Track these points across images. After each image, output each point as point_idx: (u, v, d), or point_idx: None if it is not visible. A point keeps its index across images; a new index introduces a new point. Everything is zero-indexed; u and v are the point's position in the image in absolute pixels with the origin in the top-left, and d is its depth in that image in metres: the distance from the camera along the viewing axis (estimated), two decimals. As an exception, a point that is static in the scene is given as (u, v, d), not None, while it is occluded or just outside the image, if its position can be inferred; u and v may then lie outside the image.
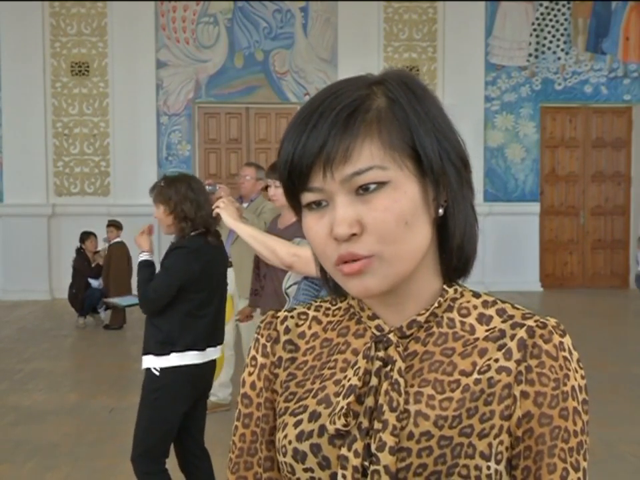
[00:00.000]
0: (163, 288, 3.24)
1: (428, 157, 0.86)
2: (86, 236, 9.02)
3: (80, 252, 9.01)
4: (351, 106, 0.85)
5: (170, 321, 3.26)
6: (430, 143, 0.86)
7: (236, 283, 5.30)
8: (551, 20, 11.14)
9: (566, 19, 11.15)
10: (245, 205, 5.44)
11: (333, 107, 0.85)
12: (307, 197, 0.87)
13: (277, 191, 3.93)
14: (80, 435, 4.96)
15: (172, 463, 3.64)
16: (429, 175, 0.87)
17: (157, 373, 3.24)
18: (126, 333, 8.40)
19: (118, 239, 8.80)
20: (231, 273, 5.31)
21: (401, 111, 0.86)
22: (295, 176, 0.86)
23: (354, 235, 0.84)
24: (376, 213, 0.83)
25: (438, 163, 0.87)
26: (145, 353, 3.29)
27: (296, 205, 0.90)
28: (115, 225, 8.85)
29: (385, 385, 0.86)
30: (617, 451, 4.60)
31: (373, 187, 0.84)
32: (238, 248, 5.30)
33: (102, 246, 9.06)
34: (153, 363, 3.26)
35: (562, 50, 11.18)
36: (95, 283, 8.96)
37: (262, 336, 0.99)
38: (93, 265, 9.00)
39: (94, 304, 8.90)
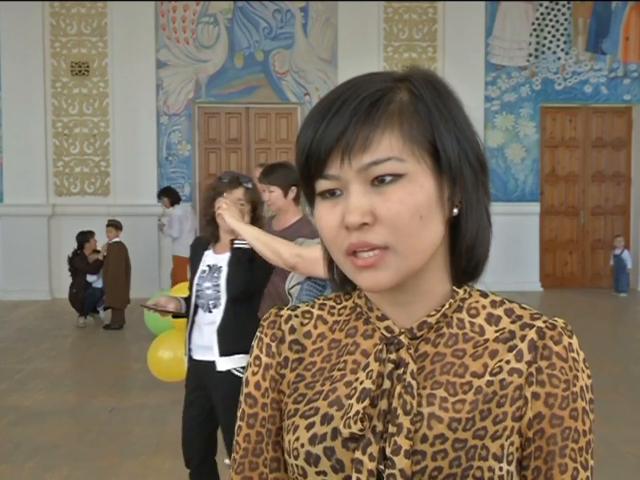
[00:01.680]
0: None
1: (447, 155, 0.86)
2: (90, 235, 9.02)
3: (77, 252, 8.99)
4: (373, 96, 0.84)
5: (255, 313, 3.28)
6: (450, 141, 0.86)
7: None
8: (551, 20, 11.13)
9: (566, 19, 11.15)
10: None
11: (355, 96, 0.85)
12: (322, 185, 0.86)
13: (271, 196, 3.91)
14: (80, 435, 4.95)
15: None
16: (446, 173, 0.86)
17: (239, 373, 3.15)
18: (126, 333, 8.39)
19: (117, 239, 8.79)
20: None
21: (424, 107, 0.86)
22: (312, 162, 0.86)
23: (365, 224, 0.83)
24: (390, 205, 0.83)
25: (456, 162, 0.87)
26: (232, 353, 3.18)
27: (309, 192, 0.90)
28: (114, 225, 8.85)
29: (398, 388, 0.86)
30: (617, 451, 4.60)
31: (389, 178, 0.83)
32: None
33: (100, 245, 9.05)
34: (243, 362, 3.14)
35: (562, 50, 11.18)
36: (92, 278, 8.91)
37: (266, 335, 0.97)
38: (90, 262, 8.97)
39: (94, 303, 8.89)
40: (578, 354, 0.89)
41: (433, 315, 0.90)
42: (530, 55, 11.14)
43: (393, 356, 0.87)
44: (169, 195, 9.38)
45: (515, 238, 10.93)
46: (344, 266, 0.88)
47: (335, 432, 0.87)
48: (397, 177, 0.83)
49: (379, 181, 0.83)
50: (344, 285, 0.95)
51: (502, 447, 0.85)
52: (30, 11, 10.42)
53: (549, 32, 11.15)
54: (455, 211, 0.88)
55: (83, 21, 10.66)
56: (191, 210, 9.67)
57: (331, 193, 0.86)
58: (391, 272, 0.85)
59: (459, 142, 0.87)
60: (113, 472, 4.31)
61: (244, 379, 0.98)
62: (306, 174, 0.88)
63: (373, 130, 0.83)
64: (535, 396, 0.87)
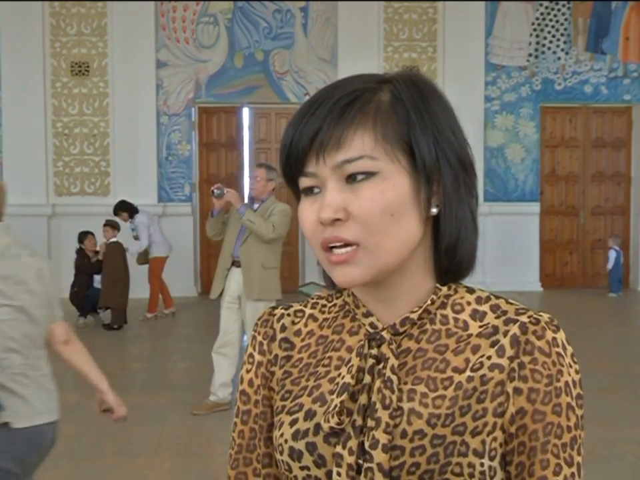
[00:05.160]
0: None
1: (421, 154, 0.87)
2: (84, 235, 8.99)
3: (80, 251, 8.97)
4: (349, 96, 0.87)
5: None
6: (426, 141, 0.87)
7: (244, 283, 5.31)
8: (550, 20, 11.13)
9: (566, 19, 11.15)
10: (255, 206, 5.43)
11: (333, 96, 0.87)
12: (303, 182, 0.90)
13: None
14: (80, 435, 4.95)
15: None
16: (421, 172, 0.87)
17: None
18: (126, 333, 8.39)
19: (114, 239, 8.76)
20: (238, 273, 5.33)
21: (402, 107, 0.88)
22: (292, 160, 0.89)
23: (338, 220, 0.85)
24: (361, 202, 0.85)
25: (432, 161, 0.88)
26: None
27: (295, 190, 0.93)
28: (111, 225, 8.82)
29: (377, 383, 0.87)
30: (617, 451, 4.60)
31: (361, 176, 0.86)
32: (247, 249, 5.31)
33: (99, 245, 9.00)
34: None
35: (562, 50, 11.18)
36: (98, 278, 8.87)
37: (259, 334, 1.00)
38: (93, 261, 8.94)
39: (95, 303, 8.86)
40: (564, 348, 0.88)
41: (415, 311, 0.91)
42: (530, 55, 11.13)
43: (374, 351, 0.89)
44: (127, 209, 9.00)
45: (515, 238, 10.93)
46: (322, 261, 0.90)
47: (317, 427, 0.89)
48: (369, 174, 0.86)
49: (352, 179, 0.86)
50: (334, 282, 0.96)
51: (483, 442, 0.85)
52: (30, 11, 10.41)
53: (549, 32, 11.15)
54: (434, 210, 0.89)
55: (82, 21, 10.66)
56: (150, 214, 9.39)
57: (311, 191, 0.89)
58: (363, 268, 0.86)
59: (438, 142, 0.88)
60: (113, 472, 4.32)
61: (239, 377, 1.01)
62: (288, 171, 0.91)
63: (346, 129, 0.86)
64: (517, 391, 0.87)
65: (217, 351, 5.46)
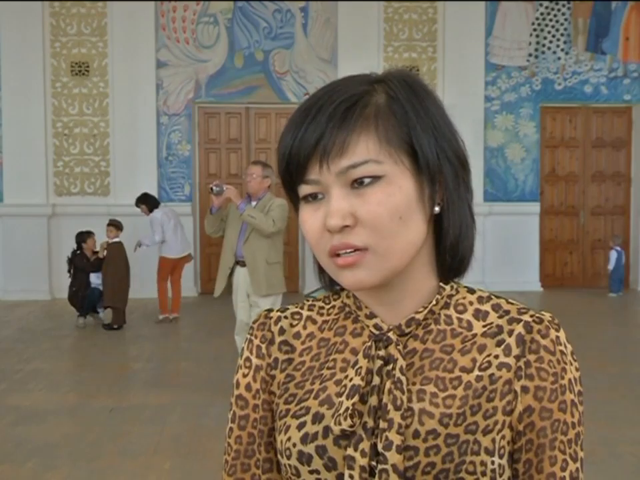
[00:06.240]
0: None
1: (424, 154, 0.87)
2: (88, 235, 8.98)
3: (77, 253, 8.94)
4: (349, 100, 0.86)
5: None
6: (427, 141, 0.87)
7: (250, 281, 5.34)
8: (550, 20, 11.13)
9: (566, 19, 11.15)
10: (253, 203, 5.47)
11: (331, 100, 0.86)
12: (304, 190, 0.88)
13: None
14: (80, 435, 4.95)
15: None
16: (424, 172, 0.87)
17: None
18: (126, 333, 8.39)
19: (117, 239, 8.76)
20: (244, 272, 5.37)
21: (400, 108, 0.87)
22: (292, 168, 0.88)
23: (347, 226, 0.84)
24: (369, 207, 0.84)
25: (434, 161, 0.88)
26: None
27: (293, 197, 0.91)
28: (114, 225, 8.82)
29: (388, 384, 0.87)
30: (617, 451, 4.60)
31: (367, 180, 0.85)
32: (250, 246, 5.35)
33: (98, 244, 8.99)
34: None
35: (562, 50, 11.17)
36: (96, 279, 8.85)
37: (256, 337, 0.98)
38: (92, 260, 8.91)
39: (94, 303, 8.86)
40: (565, 347, 0.90)
41: (421, 312, 0.91)
42: (530, 55, 11.13)
43: (381, 352, 0.88)
44: (147, 202, 9.03)
45: (515, 238, 10.93)
46: (328, 267, 0.89)
47: (326, 430, 0.88)
48: (375, 178, 0.85)
49: (358, 184, 0.85)
50: (333, 284, 0.96)
51: (493, 440, 0.86)
52: (30, 11, 10.41)
53: (549, 32, 11.14)
54: (437, 209, 0.89)
55: (82, 20, 10.66)
56: (171, 210, 9.37)
57: (313, 197, 0.88)
58: (372, 272, 0.86)
59: (437, 140, 0.88)
60: (113, 472, 4.31)
61: (234, 381, 0.99)
62: (287, 179, 0.90)
63: (349, 134, 0.85)
64: (525, 389, 0.88)
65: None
